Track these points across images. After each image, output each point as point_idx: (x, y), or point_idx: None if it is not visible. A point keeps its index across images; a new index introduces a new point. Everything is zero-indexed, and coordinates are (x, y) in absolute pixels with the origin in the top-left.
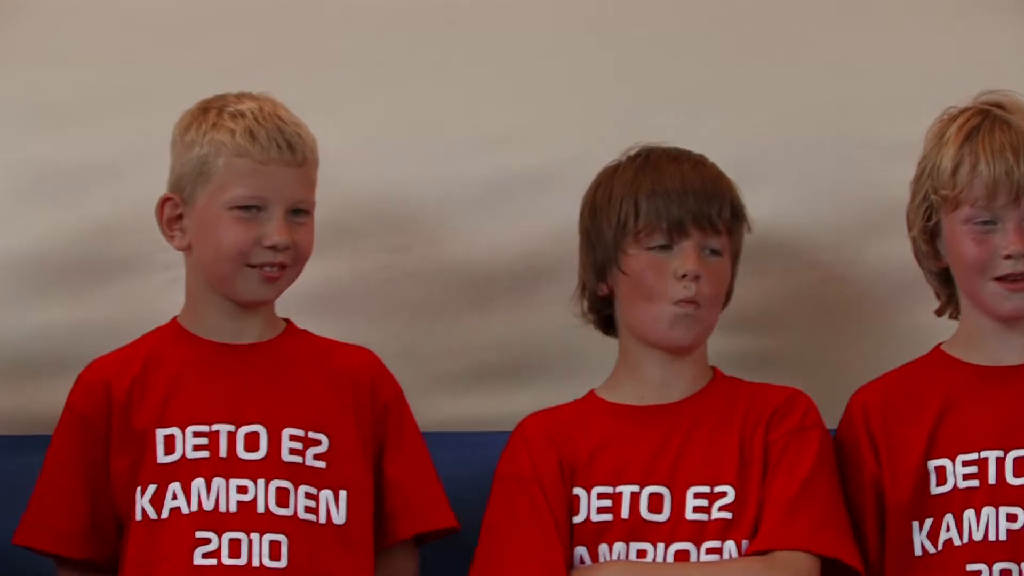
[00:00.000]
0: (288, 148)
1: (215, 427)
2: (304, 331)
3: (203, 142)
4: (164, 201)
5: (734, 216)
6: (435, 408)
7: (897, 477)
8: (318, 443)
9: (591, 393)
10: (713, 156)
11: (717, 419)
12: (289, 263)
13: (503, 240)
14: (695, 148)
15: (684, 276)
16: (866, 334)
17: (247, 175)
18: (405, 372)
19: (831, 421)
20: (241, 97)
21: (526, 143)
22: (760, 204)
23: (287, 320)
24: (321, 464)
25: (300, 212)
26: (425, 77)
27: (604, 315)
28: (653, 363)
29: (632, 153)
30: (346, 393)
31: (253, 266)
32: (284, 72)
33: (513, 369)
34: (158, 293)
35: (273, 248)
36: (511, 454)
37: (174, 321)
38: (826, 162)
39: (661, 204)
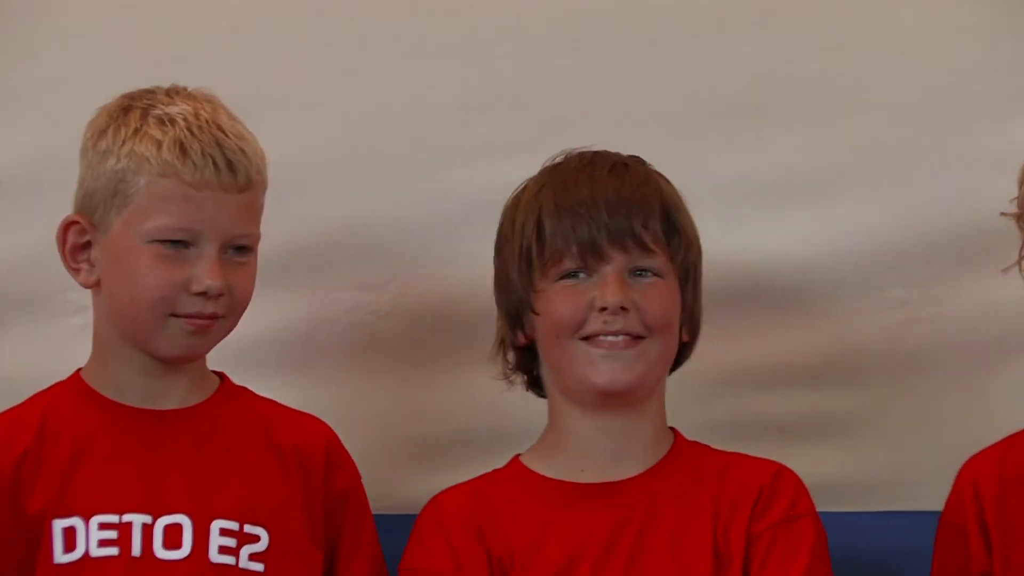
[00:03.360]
0: (228, 169)
1: (127, 517)
2: (243, 390)
3: (120, 153)
4: (68, 225)
5: (669, 227)
6: (412, 485)
7: (1012, 571)
8: (256, 539)
9: (516, 461)
10: (761, 171)
11: (683, 501)
12: (223, 313)
13: None
14: (736, 162)
15: (604, 309)
16: (961, 391)
17: (174, 201)
18: (376, 440)
19: (913, 502)
20: (174, 95)
21: (525, 154)
22: (825, 228)
23: (221, 375)
24: (258, 566)
25: (240, 249)
26: (403, 74)
27: (531, 372)
28: (590, 427)
29: (545, 165)
30: (293, 477)
31: (179, 315)
32: (226, 63)
33: (512, 435)
34: (67, 342)
35: (203, 295)
36: (422, 543)
37: (76, 376)
38: (911, 176)
39: (567, 221)
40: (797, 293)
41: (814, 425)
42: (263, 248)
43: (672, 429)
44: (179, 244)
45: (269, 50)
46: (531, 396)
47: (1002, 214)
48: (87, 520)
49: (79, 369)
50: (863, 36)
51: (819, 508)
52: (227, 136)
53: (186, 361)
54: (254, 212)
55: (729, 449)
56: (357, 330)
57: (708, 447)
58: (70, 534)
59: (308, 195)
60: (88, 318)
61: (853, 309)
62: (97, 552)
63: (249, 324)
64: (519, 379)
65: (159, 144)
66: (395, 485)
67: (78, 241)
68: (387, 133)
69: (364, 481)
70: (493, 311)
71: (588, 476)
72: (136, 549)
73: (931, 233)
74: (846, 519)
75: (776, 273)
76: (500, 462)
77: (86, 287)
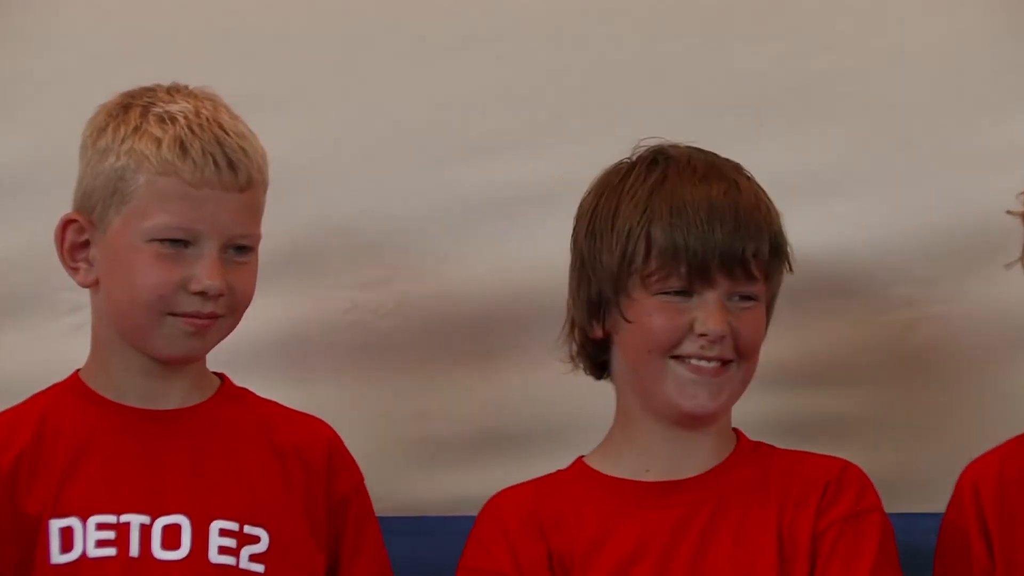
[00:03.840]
0: (228, 167)
1: (125, 518)
2: (244, 391)
3: (120, 151)
4: (67, 223)
5: (774, 255)
6: (415, 487)
7: (1013, 574)
8: (256, 540)
9: (580, 462)
10: (770, 167)
11: (747, 499)
12: (223, 312)
13: (503, 272)
14: (745, 158)
15: (703, 335)
16: (969, 392)
17: (174, 200)
18: (377, 441)
19: (919, 503)
20: (174, 93)
21: (530, 152)
22: (830, 227)
23: (221, 376)
24: (259, 567)
25: (241, 249)
26: (403, 72)
27: (599, 360)
28: (660, 433)
29: (645, 157)
30: (294, 478)
31: (176, 315)
32: (226, 61)
33: (516, 437)
34: (61, 342)
35: (202, 294)
36: (482, 543)
37: (75, 376)
38: (917, 172)
39: (680, 240)
40: (801, 292)
41: (819, 425)
42: (263, 246)
43: (735, 430)
44: (179, 243)
45: (269, 48)
46: (533, 396)
47: (1008, 212)
48: (84, 520)
49: (78, 370)
50: (866, 35)
51: None
52: (228, 135)
53: (185, 362)
54: (255, 212)
55: None
56: (357, 329)
57: (772, 446)
58: (67, 534)
59: (308, 193)
60: (82, 317)
61: (859, 308)
62: (95, 552)
63: (249, 323)
64: (583, 363)
65: (159, 142)
66: (396, 486)
67: (76, 240)
68: (387, 131)
69: (365, 482)
70: (495, 309)
71: (653, 475)
72: (134, 549)
73: (937, 231)
74: None
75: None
76: (503, 460)
77: (84, 286)
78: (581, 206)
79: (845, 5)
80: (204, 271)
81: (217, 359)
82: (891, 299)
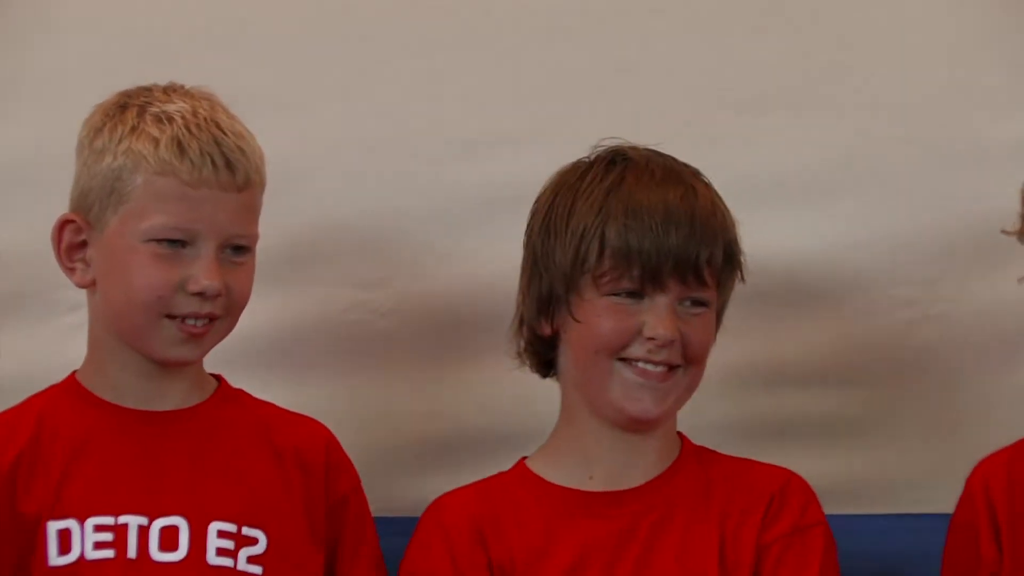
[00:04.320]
0: (226, 167)
1: (123, 519)
2: (240, 392)
3: (117, 151)
4: (63, 223)
5: (727, 263)
6: (413, 487)
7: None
8: (254, 541)
9: (521, 464)
10: (772, 165)
11: (690, 509)
12: (220, 314)
13: (505, 270)
14: (746, 156)
15: (652, 339)
16: (971, 392)
17: (171, 200)
18: (376, 441)
19: (923, 505)
20: (171, 92)
21: (530, 150)
22: (832, 225)
23: (218, 377)
24: (257, 569)
25: (238, 249)
26: (403, 69)
27: (546, 359)
28: (605, 437)
29: (604, 157)
30: (292, 479)
31: (173, 317)
32: (224, 59)
33: (517, 437)
34: (60, 341)
35: (200, 295)
36: (422, 547)
37: (72, 378)
38: (920, 171)
39: (634, 242)
40: (803, 291)
41: (821, 426)
42: (261, 245)
43: (679, 434)
44: (176, 244)
45: (267, 47)
46: (533, 396)
47: (1003, 232)
48: (82, 522)
49: (74, 371)
50: (869, 31)
51: (826, 511)
52: (225, 135)
53: (182, 365)
54: (252, 212)
55: (736, 449)
56: (357, 328)
57: (715, 452)
58: (65, 536)
59: (307, 192)
60: (81, 316)
61: (861, 307)
62: (92, 554)
63: (247, 323)
64: (530, 361)
65: (157, 142)
66: (395, 487)
67: (73, 240)
68: (386, 130)
69: (364, 483)
70: (495, 309)
71: (596, 483)
72: (132, 551)
73: (939, 231)
74: (854, 522)
75: (782, 271)
76: (502, 463)
77: (81, 287)
78: (537, 202)
79: (848, 1)
80: (202, 271)
81: (215, 358)
82: (893, 299)
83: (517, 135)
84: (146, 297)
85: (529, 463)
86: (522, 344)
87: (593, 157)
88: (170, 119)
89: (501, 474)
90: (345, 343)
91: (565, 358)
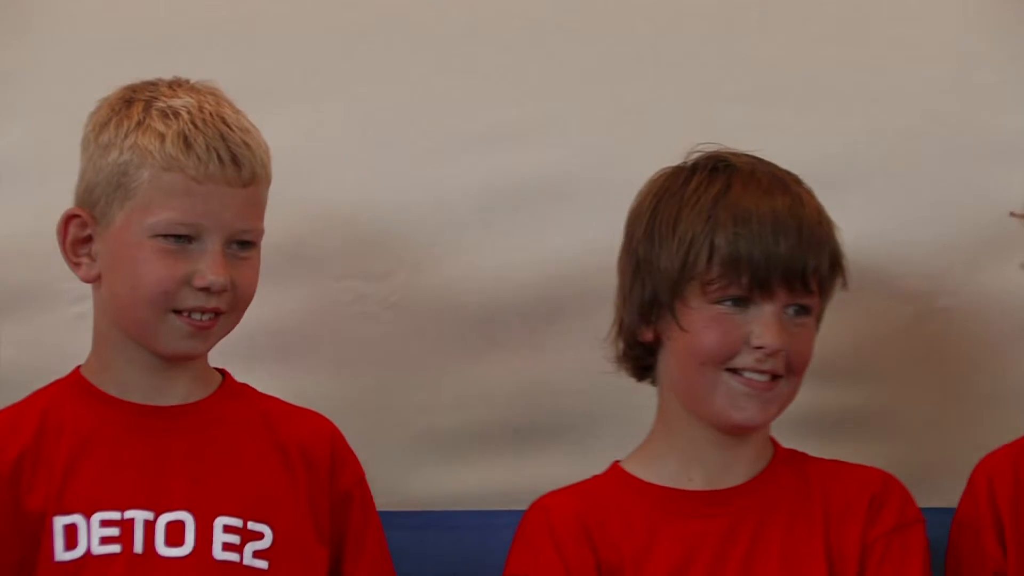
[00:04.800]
0: (232, 163)
1: (129, 514)
2: (244, 387)
3: (124, 146)
4: (69, 218)
5: (831, 270)
6: (418, 481)
7: None
8: (260, 536)
9: (616, 467)
10: (778, 158)
11: (791, 509)
12: (226, 309)
13: (508, 264)
14: (753, 148)
15: (760, 348)
16: (978, 385)
17: (178, 195)
18: (381, 434)
19: (929, 499)
20: (176, 87)
21: (536, 143)
22: (838, 219)
23: (223, 372)
24: (263, 563)
25: (244, 244)
26: (407, 61)
27: (643, 364)
28: (704, 440)
29: (706, 164)
30: (297, 474)
31: (179, 311)
32: (229, 52)
33: (521, 431)
34: (64, 332)
35: (206, 290)
36: (530, 548)
37: (76, 373)
38: (925, 164)
39: (744, 250)
40: None
41: (828, 419)
42: (265, 239)
43: (770, 437)
44: (182, 239)
45: (272, 40)
46: (538, 389)
47: (1012, 214)
48: (88, 517)
49: (79, 366)
50: (873, 25)
51: None
52: (232, 129)
53: (187, 359)
54: (258, 207)
55: None
56: (362, 321)
57: (806, 454)
58: (71, 532)
59: (311, 184)
60: (85, 308)
61: (867, 301)
62: (99, 550)
63: (252, 316)
64: (628, 366)
65: (163, 137)
66: (399, 481)
67: (79, 235)
68: (392, 122)
69: (367, 477)
70: (498, 302)
71: (696, 484)
72: (138, 546)
73: (945, 224)
74: None
75: None
76: (506, 456)
77: (86, 282)
78: (637, 207)
79: None
80: (208, 266)
81: (220, 351)
82: (899, 292)
83: (521, 130)
84: (152, 292)
85: (624, 465)
86: (621, 348)
87: (693, 163)
88: (176, 114)
89: (597, 477)
90: (349, 336)
91: (666, 365)
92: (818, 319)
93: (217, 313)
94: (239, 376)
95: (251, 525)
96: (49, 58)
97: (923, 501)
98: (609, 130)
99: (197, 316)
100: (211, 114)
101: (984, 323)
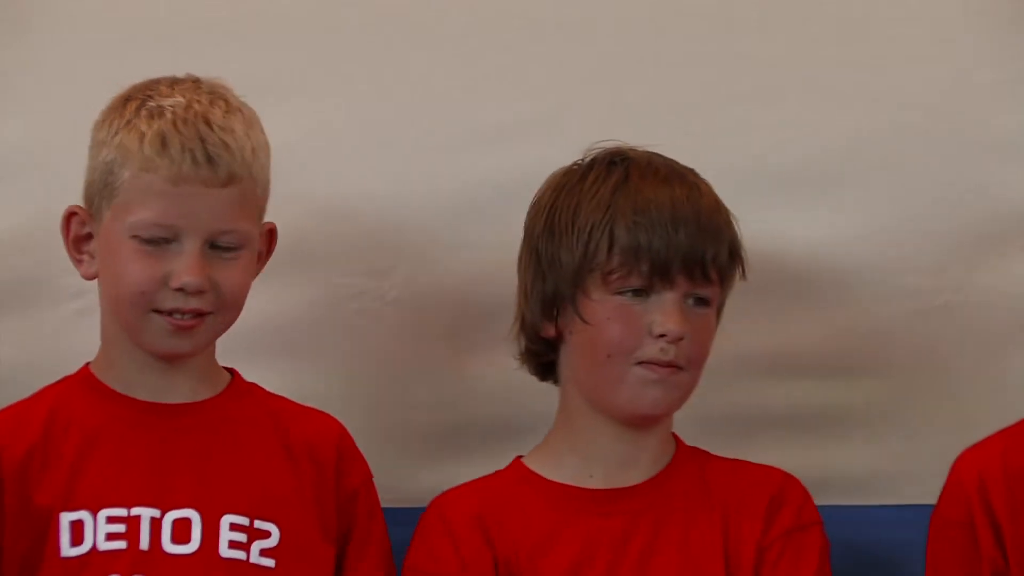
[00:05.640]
0: (207, 163)
1: (135, 511)
2: (253, 386)
3: (112, 144)
4: (70, 215)
5: (730, 260)
6: (419, 477)
7: None
8: (266, 535)
9: (518, 462)
10: (777, 155)
11: (691, 508)
12: (210, 309)
13: (509, 260)
14: (751, 147)
15: (662, 336)
16: (977, 382)
17: (154, 196)
18: (382, 430)
19: (924, 495)
20: (176, 85)
21: (537, 139)
22: (838, 215)
23: (232, 371)
24: (269, 562)
25: (228, 245)
26: (409, 57)
27: (544, 360)
28: (606, 435)
29: (603, 158)
30: (304, 473)
31: (161, 312)
32: (232, 47)
33: (523, 426)
34: (64, 327)
35: (181, 291)
36: (427, 546)
37: (86, 369)
38: (925, 161)
39: (644, 239)
40: (809, 281)
41: (827, 416)
42: None
43: (672, 434)
44: (160, 240)
45: (272, 35)
46: (540, 386)
47: None
48: (95, 513)
49: (88, 363)
50: (875, 22)
51: (832, 501)
52: (212, 130)
53: (178, 359)
54: (242, 207)
55: (742, 440)
56: (363, 317)
57: (708, 453)
58: (78, 527)
59: (312, 180)
60: (86, 303)
61: (866, 297)
62: (105, 546)
63: (252, 312)
64: (529, 363)
65: (143, 137)
66: (400, 477)
67: (80, 232)
68: (394, 118)
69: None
70: (501, 297)
71: (596, 481)
72: (144, 543)
73: (945, 220)
74: (859, 512)
75: (788, 261)
76: (509, 451)
77: (87, 279)
78: (536, 204)
79: None
80: (184, 267)
81: (220, 347)
82: (898, 289)
83: (523, 125)
84: (131, 292)
85: (526, 462)
86: (523, 345)
87: (590, 159)
88: (161, 114)
89: (498, 472)
90: (349, 332)
91: (569, 360)
92: (718, 312)
93: (199, 313)
94: (239, 371)
95: (258, 523)
96: (50, 55)
97: (918, 498)
98: (609, 127)
99: (179, 316)
100: (196, 114)
101: (984, 320)
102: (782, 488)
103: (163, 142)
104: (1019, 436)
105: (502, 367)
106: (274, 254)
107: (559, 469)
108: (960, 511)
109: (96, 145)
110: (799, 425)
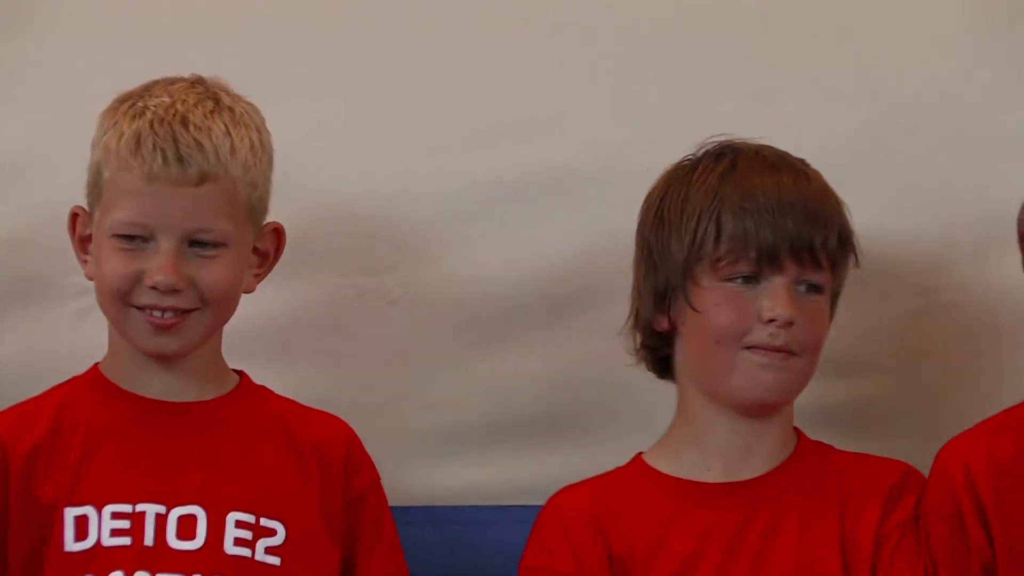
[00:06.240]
0: (177, 162)
1: (140, 507)
2: (262, 388)
3: (99, 145)
4: (73, 216)
5: (841, 246)
6: (421, 476)
7: (1017, 563)
8: (272, 532)
9: (639, 459)
10: None
11: (808, 502)
12: (190, 307)
13: (511, 259)
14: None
15: (772, 321)
16: (983, 379)
17: (130, 195)
18: (386, 429)
19: None
20: (168, 85)
21: (538, 138)
22: None
23: (240, 373)
24: (275, 560)
25: (206, 243)
26: (412, 55)
27: (660, 355)
28: (723, 426)
29: (712, 151)
30: (311, 474)
31: (140, 309)
32: (234, 46)
33: (525, 425)
34: (67, 326)
35: (155, 288)
36: (543, 543)
37: (95, 369)
38: (930, 160)
39: (751, 225)
40: None
41: (831, 414)
42: None
43: (796, 429)
44: (136, 238)
45: (273, 34)
46: (541, 384)
47: None
48: (100, 509)
49: (96, 363)
50: (875, 22)
51: None
52: (187, 129)
53: (171, 358)
54: (219, 206)
55: None
56: (364, 316)
57: (831, 447)
58: (82, 523)
59: (316, 179)
60: (89, 301)
61: (871, 295)
62: (109, 541)
63: (254, 311)
64: (646, 358)
65: (121, 137)
66: (402, 476)
67: (83, 232)
68: (395, 117)
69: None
70: (503, 295)
71: (714, 475)
72: (149, 539)
73: (949, 218)
74: None
75: None
76: (512, 450)
77: (89, 279)
78: (648, 198)
79: None
80: (157, 266)
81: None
82: (903, 287)
83: (524, 125)
84: (108, 289)
85: (646, 457)
86: (638, 340)
87: (701, 152)
88: (142, 114)
89: (618, 469)
90: (351, 331)
91: (683, 352)
92: (833, 301)
93: (179, 311)
94: (241, 370)
95: (263, 521)
96: (52, 53)
97: None
98: (611, 125)
99: (158, 314)
100: (175, 114)
101: (988, 318)
102: (903, 478)
103: (138, 141)
104: (1001, 427)
105: (504, 365)
106: None
107: (678, 463)
108: (947, 504)
109: (92, 146)
110: (800, 423)
